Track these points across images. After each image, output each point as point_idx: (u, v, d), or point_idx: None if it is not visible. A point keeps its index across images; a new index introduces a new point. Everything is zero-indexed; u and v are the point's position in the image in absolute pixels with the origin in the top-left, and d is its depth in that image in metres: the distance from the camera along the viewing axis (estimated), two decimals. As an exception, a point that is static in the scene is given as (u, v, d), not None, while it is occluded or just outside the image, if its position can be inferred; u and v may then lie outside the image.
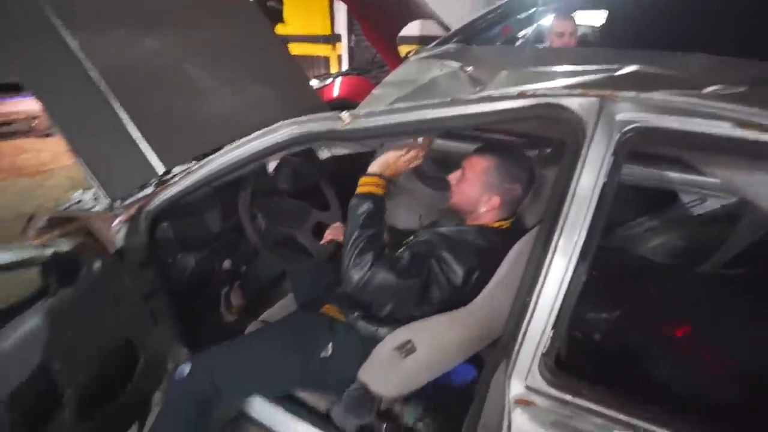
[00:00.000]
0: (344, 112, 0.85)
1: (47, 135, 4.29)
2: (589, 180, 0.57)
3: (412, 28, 2.76)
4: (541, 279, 0.60)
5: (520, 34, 3.47)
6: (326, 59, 5.57)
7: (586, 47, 2.28)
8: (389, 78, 1.39)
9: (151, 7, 1.31)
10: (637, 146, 0.57)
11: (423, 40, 4.55)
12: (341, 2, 5.11)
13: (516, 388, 0.60)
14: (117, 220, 1.14)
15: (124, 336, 1.14)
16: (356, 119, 0.83)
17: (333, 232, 1.31)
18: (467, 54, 1.51)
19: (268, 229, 1.24)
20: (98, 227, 1.38)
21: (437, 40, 2.87)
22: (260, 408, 1.18)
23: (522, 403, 0.59)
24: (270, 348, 1.09)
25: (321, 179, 1.39)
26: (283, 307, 1.41)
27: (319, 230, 1.36)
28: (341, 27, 5.38)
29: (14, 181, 3.87)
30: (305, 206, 1.37)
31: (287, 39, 5.64)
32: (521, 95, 0.64)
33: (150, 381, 1.23)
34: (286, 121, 0.90)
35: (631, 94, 0.56)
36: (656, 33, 2.03)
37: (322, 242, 1.31)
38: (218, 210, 1.25)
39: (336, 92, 3.12)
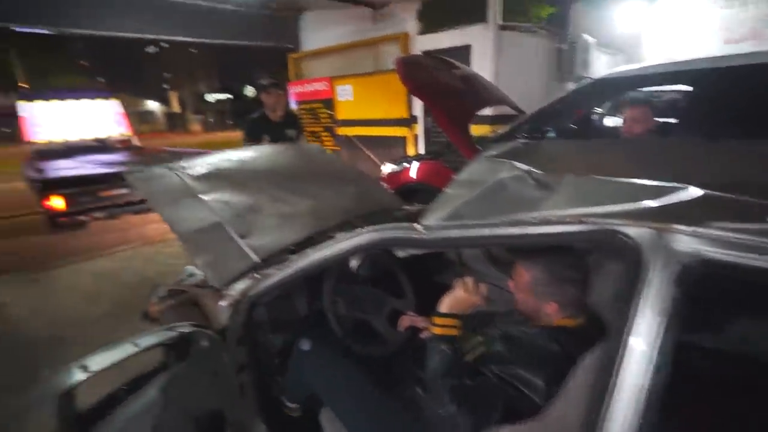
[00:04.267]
0: (418, 224, 0.96)
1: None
2: (652, 309, 0.59)
3: (485, 111, 2.95)
4: (604, 409, 0.60)
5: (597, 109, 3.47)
6: (404, 139, 6.04)
7: (661, 135, 2.21)
8: (461, 176, 1.52)
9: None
10: (699, 278, 0.58)
11: (495, 120, 4.73)
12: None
13: None
14: (223, 302, 1.35)
15: (217, 406, 1.29)
16: (430, 230, 0.94)
17: (407, 320, 1.37)
18: (535, 152, 1.60)
19: (348, 315, 1.36)
20: (206, 303, 1.63)
21: (512, 124, 3.02)
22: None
23: None
24: (364, 394, 1.17)
25: (396, 268, 1.50)
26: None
27: (395, 317, 1.44)
28: (418, 110, 5.86)
29: (141, 249, 4.65)
30: (381, 294, 1.47)
31: (370, 122, 6.31)
32: (580, 221, 0.70)
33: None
34: (368, 227, 1.04)
35: (690, 228, 0.59)
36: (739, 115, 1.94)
37: (398, 329, 1.38)
38: (305, 295, 1.41)
39: (413, 175, 3.36)
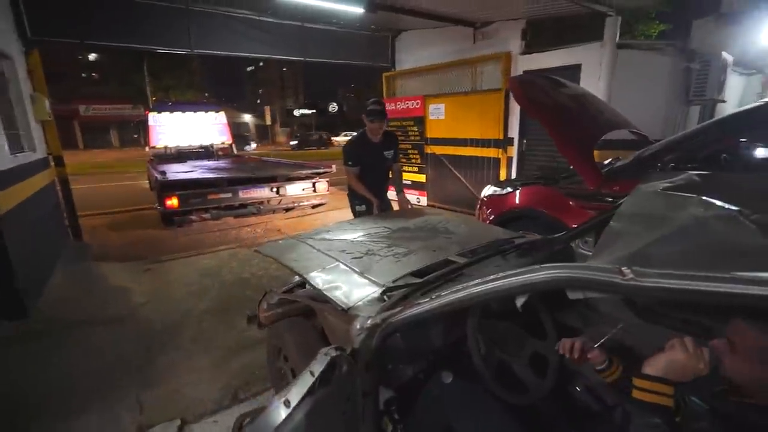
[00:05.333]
0: (625, 267, 0.80)
1: (273, 212, 5.47)
2: None
3: (614, 136, 2.67)
4: None
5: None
6: (496, 161, 5.81)
7: None
8: (625, 208, 1.31)
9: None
10: None
11: (604, 145, 4.30)
12: (515, 109, 5.43)
13: None
14: (359, 325, 1.28)
15: (345, 430, 1.22)
16: (641, 277, 0.77)
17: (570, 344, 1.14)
18: (725, 186, 1.34)
19: (488, 354, 1.22)
20: (327, 318, 1.59)
21: (644, 151, 2.69)
22: None
23: None
24: None
25: (539, 305, 1.33)
26: None
27: (536, 360, 1.27)
28: (514, 131, 5.61)
29: (238, 251, 4.94)
30: (522, 333, 1.31)
31: (461, 142, 6.19)
32: None
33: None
34: (552, 264, 0.90)
35: None
36: None
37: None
38: (442, 326, 1.30)
39: (518, 200, 3.14)
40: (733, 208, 1.02)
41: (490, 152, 5.83)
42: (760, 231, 0.92)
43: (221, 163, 7.08)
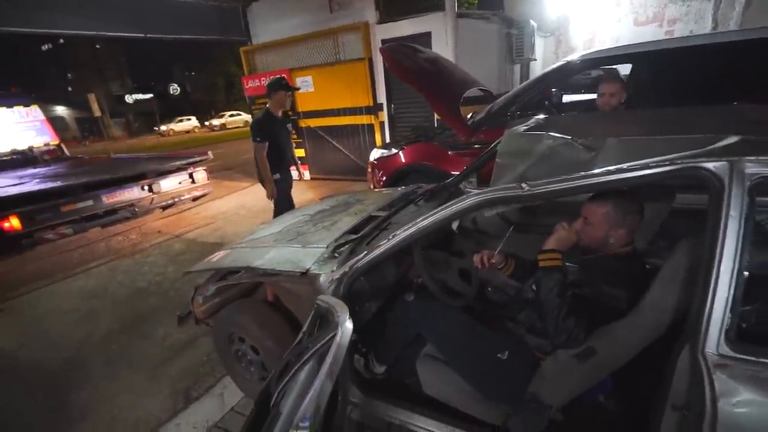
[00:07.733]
0: (522, 183, 1.20)
1: (149, 212, 4.89)
2: (735, 211, 0.89)
3: (469, 93, 3.22)
4: (712, 284, 0.90)
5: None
6: (370, 127, 6.21)
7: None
8: (503, 149, 1.78)
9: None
10: (760, 190, 0.89)
11: (472, 101, 4.93)
12: (380, 76, 5.84)
13: (712, 358, 0.88)
14: (326, 279, 1.49)
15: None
16: (533, 187, 1.18)
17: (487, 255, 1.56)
18: (561, 124, 1.90)
19: (431, 274, 1.57)
20: (290, 288, 1.74)
21: (496, 104, 3.32)
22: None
23: (720, 367, 0.87)
24: (463, 327, 1.42)
25: (457, 231, 1.74)
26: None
27: (463, 274, 1.68)
28: (382, 97, 6.05)
29: (118, 262, 4.38)
30: (448, 256, 1.70)
31: (334, 112, 6.39)
32: (672, 162, 0.98)
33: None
34: (473, 192, 1.26)
35: (753, 157, 0.90)
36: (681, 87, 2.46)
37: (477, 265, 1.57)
38: (393, 264, 1.59)
39: (405, 158, 3.56)
40: (567, 137, 1.53)
41: (363, 119, 6.20)
42: (585, 149, 1.43)
43: (58, 168, 5.88)
